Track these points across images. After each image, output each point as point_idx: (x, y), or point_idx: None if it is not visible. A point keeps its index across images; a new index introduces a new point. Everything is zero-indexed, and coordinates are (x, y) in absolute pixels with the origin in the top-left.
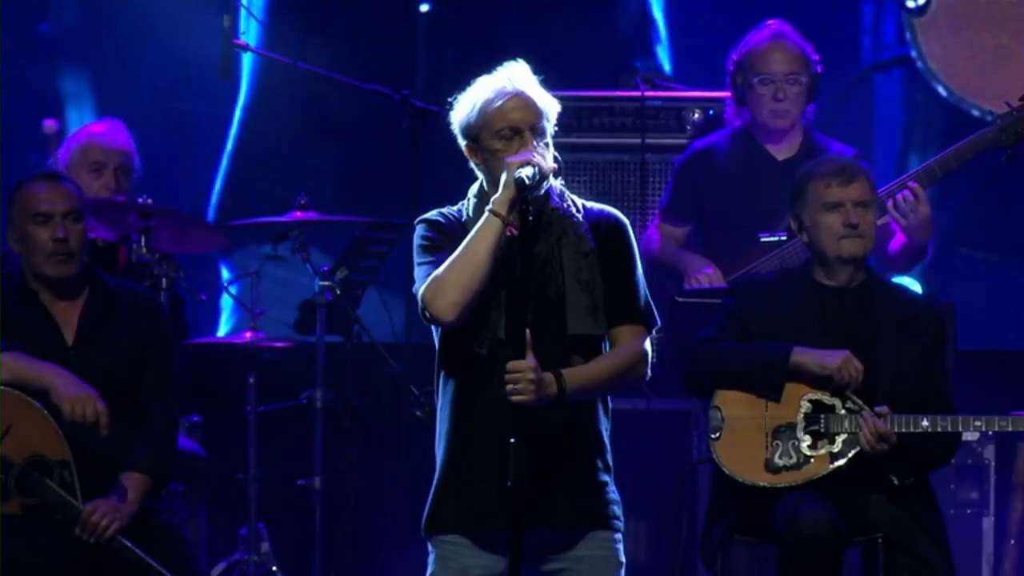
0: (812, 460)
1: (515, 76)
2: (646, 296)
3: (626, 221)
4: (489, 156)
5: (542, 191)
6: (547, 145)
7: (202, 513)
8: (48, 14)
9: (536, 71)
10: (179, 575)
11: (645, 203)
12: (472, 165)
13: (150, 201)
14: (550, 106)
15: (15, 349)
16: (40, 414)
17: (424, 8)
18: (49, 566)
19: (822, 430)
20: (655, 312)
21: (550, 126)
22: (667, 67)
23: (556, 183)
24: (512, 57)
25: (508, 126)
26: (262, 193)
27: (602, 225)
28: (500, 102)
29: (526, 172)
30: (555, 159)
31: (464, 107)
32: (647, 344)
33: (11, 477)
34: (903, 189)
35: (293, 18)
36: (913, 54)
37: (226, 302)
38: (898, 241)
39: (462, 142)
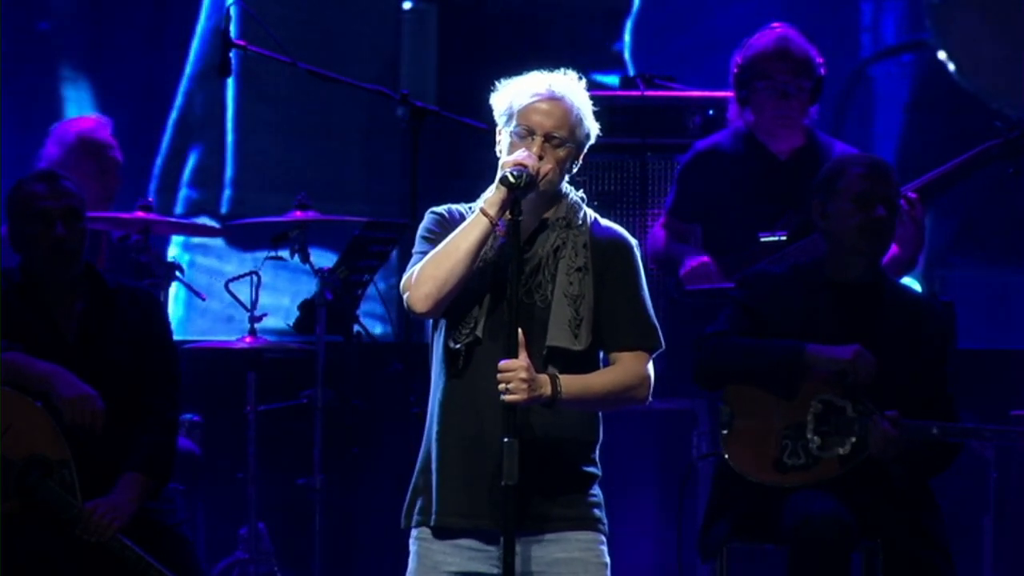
0: (821, 461)
1: (559, 82)
2: (650, 319)
3: (632, 243)
4: (505, 147)
5: (544, 195)
6: (563, 159)
7: (200, 513)
8: (48, 14)
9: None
10: (179, 575)
11: (645, 203)
12: (496, 152)
13: (151, 199)
14: (584, 123)
15: (15, 349)
16: (40, 414)
17: (407, 5)
18: (49, 566)
19: (832, 431)
20: (659, 334)
21: (575, 143)
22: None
23: (576, 194)
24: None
25: (526, 125)
26: (262, 193)
27: (603, 243)
28: (530, 100)
29: (513, 172)
30: (570, 172)
31: (503, 93)
32: (650, 367)
33: (11, 477)
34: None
35: (277, 17)
36: (935, 46)
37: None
38: (889, 252)
39: (497, 125)
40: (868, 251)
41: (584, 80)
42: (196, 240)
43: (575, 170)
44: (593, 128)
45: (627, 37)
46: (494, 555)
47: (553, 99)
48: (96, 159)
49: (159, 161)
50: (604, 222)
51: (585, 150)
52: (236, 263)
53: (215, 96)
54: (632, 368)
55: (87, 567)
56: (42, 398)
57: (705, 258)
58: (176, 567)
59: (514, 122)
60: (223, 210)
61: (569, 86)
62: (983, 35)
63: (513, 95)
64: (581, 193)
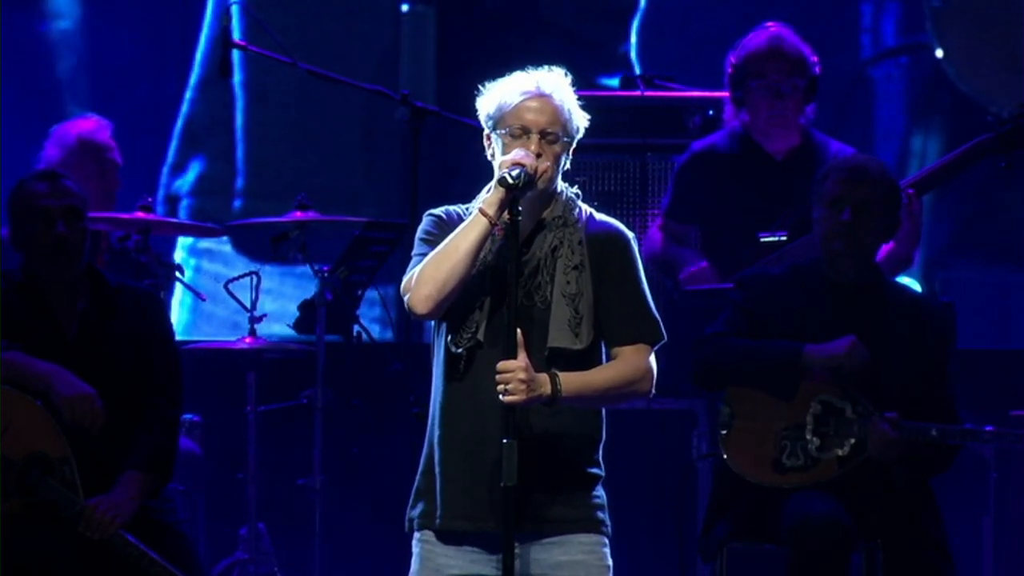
0: (820, 463)
1: (546, 79)
2: (650, 311)
3: (629, 236)
4: (498, 149)
5: (542, 194)
6: (559, 154)
7: (200, 513)
8: (48, 14)
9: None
10: (181, 571)
11: (645, 203)
12: (488, 156)
13: (150, 199)
14: (573, 117)
15: (15, 348)
16: (40, 412)
17: (405, 8)
18: (51, 564)
19: (831, 432)
20: (660, 327)
21: (568, 137)
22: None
23: (571, 191)
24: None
25: (519, 124)
26: (264, 195)
27: (600, 239)
28: (520, 99)
29: (511, 172)
30: (564, 168)
31: (489, 96)
32: (652, 360)
33: (11, 476)
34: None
35: (277, 19)
36: (933, 46)
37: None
38: (885, 248)
39: (484, 129)
40: (840, 253)
41: (569, 76)
42: (202, 245)
43: (567, 165)
44: (582, 122)
45: (633, 38)
46: (497, 558)
47: (543, 96)
48: (96, 160)
49: (165, 169)
50: (600, 217)
51: (574, 144)
52: (242, 268)
53: (220, 102)
54: (633, 361)
55: (89, 565)
56: (42, 397)
57: (703, 263)
58: (178, 563)
59: (506, 123)
60: (231, 215)
61: (556, 82)
62: (982, 39)
63: (501, 96)
64: (575, 189)
